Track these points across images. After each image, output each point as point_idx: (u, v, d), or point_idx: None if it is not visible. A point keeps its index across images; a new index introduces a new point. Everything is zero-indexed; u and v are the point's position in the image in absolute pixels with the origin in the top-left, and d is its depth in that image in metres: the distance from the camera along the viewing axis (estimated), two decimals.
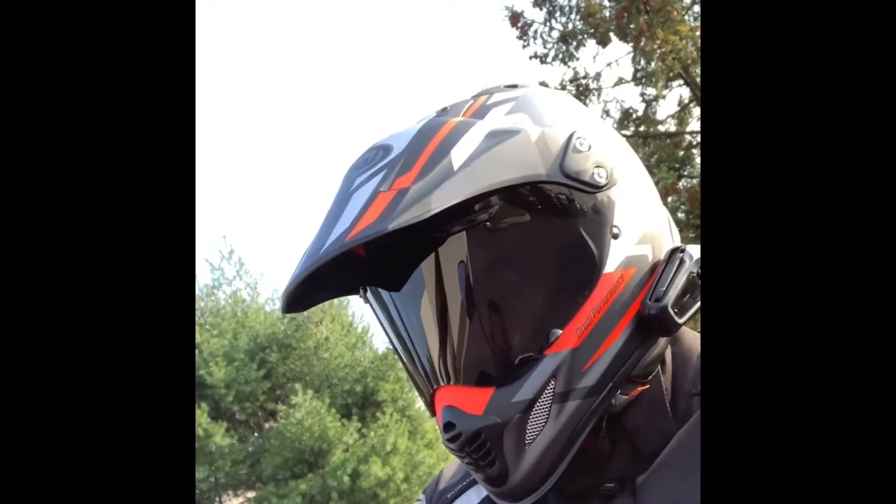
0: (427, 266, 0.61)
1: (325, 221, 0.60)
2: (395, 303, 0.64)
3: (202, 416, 9.15)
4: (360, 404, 10.38)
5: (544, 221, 0.60)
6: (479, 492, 0.72)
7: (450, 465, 0.80)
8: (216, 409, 9.79)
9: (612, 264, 0.61)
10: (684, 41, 7.06)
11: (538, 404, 0.59)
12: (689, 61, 7.52)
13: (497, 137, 0.60)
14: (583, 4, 7.83)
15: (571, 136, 0.62)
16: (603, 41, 7.82)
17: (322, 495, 9.19)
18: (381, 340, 11.57)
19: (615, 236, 0.62)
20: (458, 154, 0.59)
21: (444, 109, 0.67)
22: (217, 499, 10.15)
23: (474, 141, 0.60)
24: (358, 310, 11.81)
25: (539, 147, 0.61)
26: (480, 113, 0.64)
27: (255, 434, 10.58)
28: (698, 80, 7.91)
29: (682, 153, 8.48)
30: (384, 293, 0.65)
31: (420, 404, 10.59)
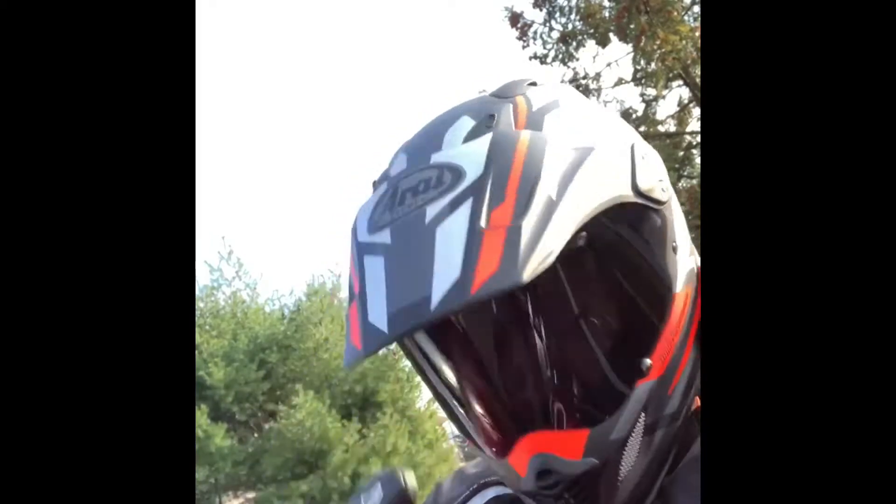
0: (510, 303, 0.56)
1: (406, 259, 0.52)
2: (465, 343, 0.57)
3: (202, 418, 9.14)
4: (360, 405, 10.37)
5: (624, 245, 0.57)
6: (482, 498, 0.69)
7: (445, 479, 0.76)
8: (216, 410, 9.78)
9: (679, 283, 0.58)
10: (684, 41, 7.07)
11: (631, 440, 0.56)
12: (689, 61, 7.52)
13: (577, 156, 0.55)
14: (583, 5, 7.83)
15: (633, 149, 0.59)
16: (603, 41, 7.82)
17: (323, 496, 9.18)
18: None
19: (675, 251, 0.59)
20: (550, 179, 0.53)
21: (491, 116, 0.59)
22: (217, 500, 10.14)
23: (559, 162, 0.54)
24: None
25: (614, 164, 0.57)
26: (534, 123, 0.58)
27: (255, 435, 10.57)
28: (698, 80, 7.92)
29: (681, 153, 8.49)
30: (453, 334, 0.58)
31: (420, 404, 10.60)
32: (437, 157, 0.56)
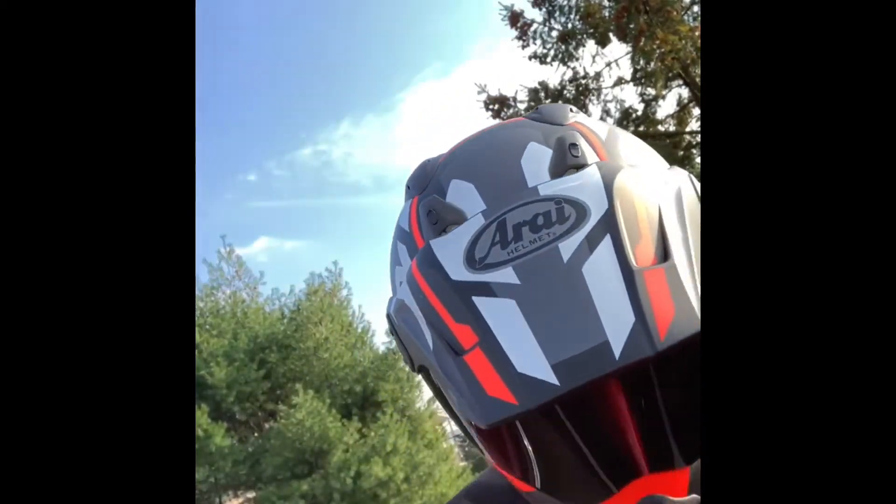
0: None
1: (552, 303, 0.48)
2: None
3: (202, 417, 9.15)
4: (361, 404, 10.38)
5: None
6: None
7: None
8: (217, 410, 9.79)
9: None
10: (684, 41, 7.07)
11: None
12: (689, 61, 7.52)
13: (674, 192, 0.55)
14: (582, 4, 7.83)
15: (691, 178, 0.59)
16: (602, 41, 7.82)
17: (324, 496, 9.18)
18: (380, 340, 11.58)
19: None
20: (670, 221, 0.52)
21: (574, 146, 0.56)
22: (217, 499, 10.15)
23: (668, 198, 0.54)
24: (357, 310, 11.82)
25: (695, 198, 0.57)
26: (612, 154, 0.58)
27: (256, 434, 10.57)
28: (698, 80, 7.92)
29: (681, 153, 8.49)
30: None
31: (420, 404, 10.60)
32: (545, 190, 0.53)
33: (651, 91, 8.39)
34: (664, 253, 0.50)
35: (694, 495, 0.52)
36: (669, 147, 8.35)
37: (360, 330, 11.40)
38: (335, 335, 10.72)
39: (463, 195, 0.56)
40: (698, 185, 0.59)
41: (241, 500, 10.43)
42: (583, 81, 8.23)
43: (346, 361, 10.54)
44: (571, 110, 0.62)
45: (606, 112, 8.26)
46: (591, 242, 0.49)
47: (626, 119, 8.30)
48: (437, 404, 0.64)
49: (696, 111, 8.59)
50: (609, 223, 0.50)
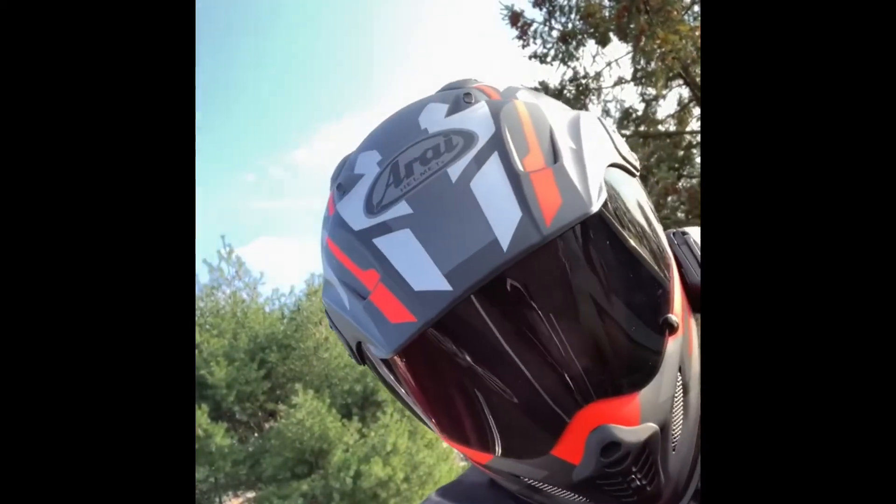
0: (535, 273, 0.51)
1: (443, 220, 0.49)
2: (502, 318, 0.51)
3: (202, 417, 9.14)
4: (360, 404, 10.38)
5: (627, 206, 0.56)
6: None
7: None
8: (217, 410, 9.79)
9: (666, 245, 0.58)
10: (684, 41, 7.06)
11: (675, 401, 0.53)
12: (689, 61, 7.52)
13: (570, 117, 0.56)
14: (582, 4, 7.83)
15: (601, 120, 0.60)
16: (603, 41, 7.81)
17: (324, 496, 9.18)
18: None
19: (655, 218, 0.59)
20: (563, 133, 0.53)
21: (468, 94, 0.58)
22: (217, 499, 10.14)
23: (560, 121, 0.55)
24: None
25: (597, 128, 0.58)
26: (506, 96, 0.58)
27: (256, 434, 10.57)
28: (698, 79, 7.91)
29: (681, 153, 8.48)
30: (481, 312, 0.51)
31: None
32: (433, 128, 0.55)
33: (651, 91, 8.39)
34: (554, 160, 0.51)
35: (648, 423, 0.51)
36: (669, 147, 8.34)
37: None
38: (335, 335, 10.69)
39: (367, 162, 0.57)
40: (610, 126, 0.60)
41: (241, 500, 10.43)
42: (583, 81, 8.23)
43: (346, 361, 10.53)
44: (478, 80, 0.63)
45: (606, 112, 8.26)
46: (479, 161, 0.51)
47: (626, 119, 8.30)
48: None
49: (697, 111, 8.58)
50: (496, 142, 0.52)
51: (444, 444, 10.97)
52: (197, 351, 9.45)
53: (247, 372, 9.93)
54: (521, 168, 0.50)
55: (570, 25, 8.04)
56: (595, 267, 0.53)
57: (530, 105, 0.56)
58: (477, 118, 0.54)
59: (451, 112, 0.57)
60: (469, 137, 0.53)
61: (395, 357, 0.54)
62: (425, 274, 0.48)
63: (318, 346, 10.42)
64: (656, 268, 0.56)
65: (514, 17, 8.08)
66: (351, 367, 10.42)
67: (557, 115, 0.57)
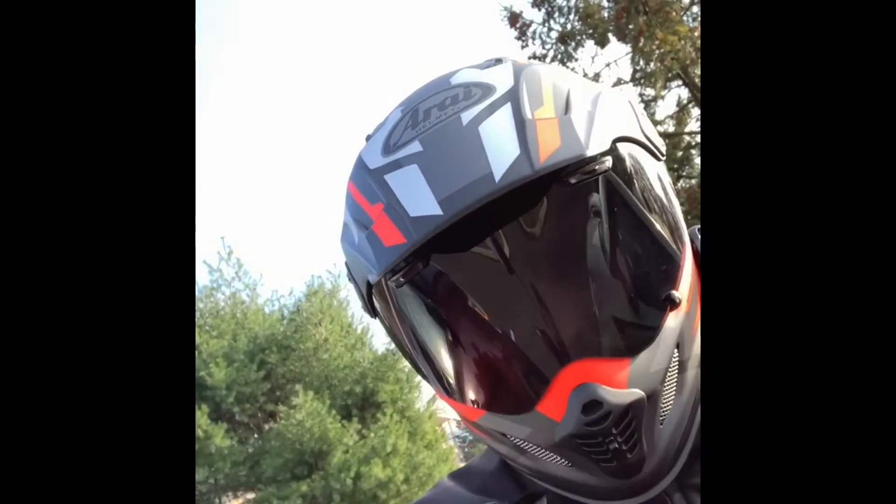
0: (536, 223, 0.52)
1: (448, 156, 0.50)
2: (490, 272, 0.52)
3: (202, 418, 9.14)
4: (360, 405, 10.37)
5: (641, 175, 0.56)
6: None
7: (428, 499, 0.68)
8: (217, 411, 9.79)
9: (682, 224, 0.58)
10: (683, 42, 7.07)
11: (668, 375, 0.53)
12: (688, 62, 7.53)
13: (593, 88, 0.57)
14: (581, 5, 7.84)
15: (631, 102, 0.61)
16: (602, 42, 7.83)
17: (324, 497, 9.18)
18: (380, 341, 11.57)
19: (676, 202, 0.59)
20: (578, 97, 0.54)
21: (500, 60, 0.60)
22: (217, 500, 10.14)
23: (580, 88, 0.56)
24: (357, 311, 11.80)
25: (622, 104, 0.59)
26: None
27: (256, 435, 10.57)
28: (697, 80, 7.92)
29: (680, 154, 8.49)
30: (467, 264, 0.52)
31: (420, 405, 10.59)
32: (457, 80, 0.57)
33: (650, 91, 8.40)
34: (565, 113, 0.52)
35: (634, 389, 0.51)
36: (669, 147, 8.34)
37: (359, 331, 11.39)
38: (335, 336, 10.71)
39: (394, 114, 0.59)
40: (638, 108, 0.61)
41: (240, 500, 10.42)
42: None
43: (345, 362, 10.54)
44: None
45: None
46: (492, 109, 0.53)
47: None
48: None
49: (696, 112, 8.59)
50: (512, 94, 0.54)
51: (444, 445, 10.97)
52: (196, 352, 9.45)
53: (246, 373, 9.93)
54: (529, 116, 0.51)
55: (568, 26, 8.05)
56: (598, 227, 0.53)
57: (554, 69, 0.58)
58: (499, 74, 0.56)
59: (479, 70, 0.59)
60: (487, 89, 0.55)
61: (389, 291, 0.56)
62: (422, 201, 0.50)
63: (317, 348, 10.41)
64: (668, 242, 0.55)
65: (513, 18, 8.09)
66: (350, 369, 10.42)
67: (581, 84, 0.58)
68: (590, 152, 0.49)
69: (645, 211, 0.55)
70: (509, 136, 0.50)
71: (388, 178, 0.53)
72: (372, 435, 9.64)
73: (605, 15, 7.69)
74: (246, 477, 9.77)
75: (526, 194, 0.49)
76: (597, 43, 7.89)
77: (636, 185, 0.55)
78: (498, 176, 0.48)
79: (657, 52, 7.18)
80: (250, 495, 10.12)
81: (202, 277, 11.14)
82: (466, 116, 0.52)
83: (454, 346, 0.56)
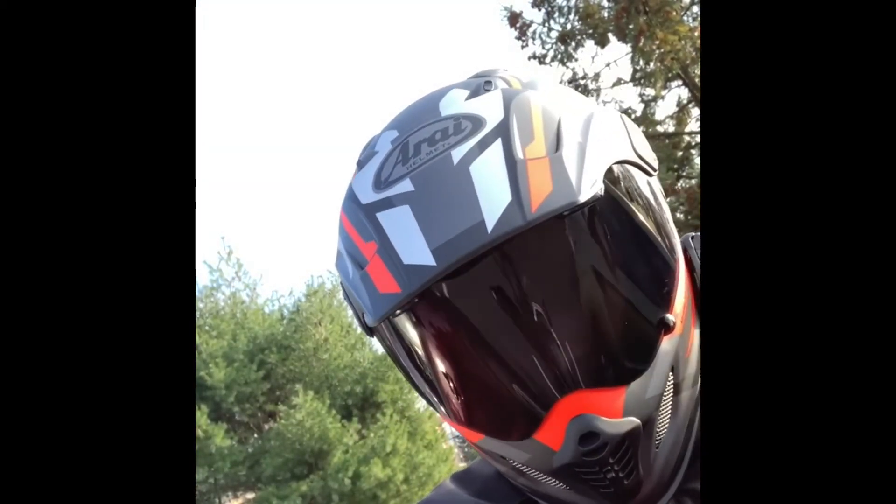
0: (529, 257, 0.52)
1: (439, 199, 0.50)
2: (485, 305, 0.52)
3: (202, 418, 9.14)
4: (360, 405, 10.38)
5: (632, 201, 0.56)
6: None
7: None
8: (216, 411, 9.79)
9: (678, 249, 0.58)
10: (683, 41, 7.07)
11: (663, 399, 0.53)
12: (688, 62, 7.53)
13: (585, 111, 0.57)
14: (581, 5, 7.84)
15: (622, 118, 0.60)
16: (602, 42, 7.83)
17: (323, 496, 9.18)
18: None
19: (668, 220, 0.59)
20: (571, 126, 0.54)
21: (488, 82, 0.60)
22: (217, 500, 10.14)
23: (571, 115, 0.55)
24: None
25: (614, 125, 0.58)
26: (528, 86, 0.59)
27: (255, 435, 10.57)
28: (697, 80, 7.93)
29: (680, 154, 8.49)
30: (468, 293, 0.53)
31: (420, 405, 10.59)
32: (446, 111, 0.56)
33: (650, 91, 8.40)
34: (556, 150, 0.52)
35: (630, 417, 0.52)
36: (668, 147, 8.34)
37: (359, 331, 11.36)
38: (335, 336, 10.71)
39: (385, 141, 0.59)
40: (629, 123, 0.60)
41: (240, 500, 10.43)
42: (582, 82, 8.23)
43: (345, 362, 10.54)
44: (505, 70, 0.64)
45: None
46: (482, 146, 0.52)
47: None
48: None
49: (695, 111, 8.59)
50: (502, 129, 0.53)
51: (444, 445, 10.97)
52: (196, 352, 9.45)
53: (246, 373, 9.93)
54: (520, 155, 0.51)
55: (568, 26, 8.05)
56: (591, 258, 0.53)
57: (544, 96, 0.57)
58: (489, 105, 0.55)
59: (469, 98, 0.58)
60: (477, 122, 0.54)
61: (386, 326, 0.57)
62: (415, 248, 0.50)
63: (317, 347, 10.42)
64: (662, 262, 0.56)
65: (513, 18, 8.09)
66: (350, 368, 10.43)
67: (572, 108, 0.57)
68: (582, 198, 0.49)
69: (637, 233, 0.55)
70: (500, 179, 0.50)
71: (380, 217, 0.53)
72: (372, 435, 9.64)
73: (605, 15, 7.69)
74: (246, 477, 9.77)
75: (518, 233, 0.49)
76: (597, 43, 7.89)
77: (628, 208, 0.55)
78: (490, 225, 0.48)
79: (657, 51, 7.18)
80: (250, 495, 10.13)
81: (202, 277, 11.15)
82: (457, 154, 0.52)
83: (452, 373, 0.57)
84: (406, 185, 0.52)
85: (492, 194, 0.49)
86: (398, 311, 0.52)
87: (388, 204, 0.53)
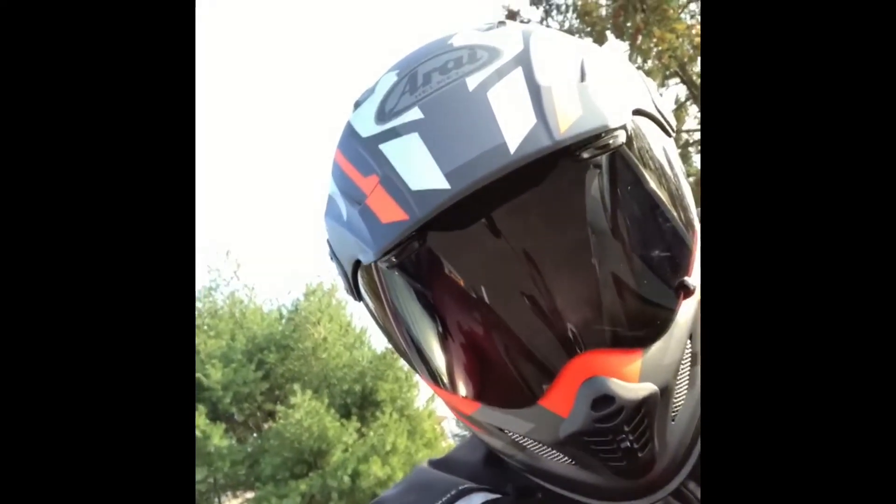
0: (542, 201, 0.47)
1: (453, 125, 0.46)
2: (489, 254, 0.48)
3: (200, 418, 9.14)
4: (359, 404, 10.37)
5: (655, 153, 0.52)
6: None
7: (400, 486, 0.62)
8: (214, 411, 9.78)
9: (693, 207, 0.54)
10: (680, 39, 7.07)
11: (681, 368, 0.49)
12: (686, 59, 7.53)
13: (605, 54, 0.53)
14: (579, 3, 7.84)
15: (641, 73, 0.57)
16: (599, 39, 7.82)
17: (322, 495, 9.18)
18: (379, 341, 11.57)
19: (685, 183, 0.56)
20: (593, 64, 0.51)
21: (502, 22, 0.56)
22: (216, 499, 10.14)
23: (596, 55, 0.52)
24: (356, 310, 11.78)
25: (634, 74, 0.55)
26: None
27: (254, 435, 10.57)
28: (694, 78, 7.93)
29: (679, 151, 8.48)
30: (465, 245, 0.48)
31: (419, 403, 10.60)
32: (459, 42, 0.52)
33: None
34: (581, 80, 0.49)
35: (647, 383, 0.48)
36: None
37: (358, 330, 11.39)
38: (333, 335, 10.71)
39: (386, 79, 0.54)
40: (652, 84, 0.57)
41: (239, 500, 10.43)
42: None
43: (344, 361, 10.54)
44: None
45: None
46: (501, 73, 0.48)
47: None
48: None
49: (693, 109, 8.59)
50: (522, 59, 0.49)
51: (443, 444, 10.97)
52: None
53: (245, 373, 9.92)
54: (544, 82, 0.47)
55: (566, 24, 8.05)
56: (612, 204, 0.49)
57: (564, 35, 0.54)
58: (506, 37, 0.52)
59: (482, 32, 0.55)
60: (494, 52, 0.50)
61: (378, 273, 0.51)
62: (426, 174, 0.45)
63: (316, 347, 10.41)
64: (680, 225, 0.52)
65: (512, 16, 8.08)
66: (349, 367, 10.42)
67: (595, 52, 0.54)
68: (612, 123, 0.45)
69: (657, 191, 0.51)
70: (523, 103, 0.46)
71: (383, 147, 0.48)
72: (371, 433, 9.64)
73: (603, 13, 7.70)
74: (245, 476, 9.77)
75: (531, 169, 0.45)
76: (595, 40, 7.89)
77: (649, 162, 0.51)
78: (513, 147, 0.43)
79: (655, 49, 7.18)
80: (249, 494, 10.13)
81: (201, 277, 11.15)
82: (473, 81, 0.47)
83: (448, 335, 0.51)
84: (415, 113, 0.48)
85: (514, 116, 0.45)
86: (401, 245, 0.46)
87: (393, 134, 0.48)
